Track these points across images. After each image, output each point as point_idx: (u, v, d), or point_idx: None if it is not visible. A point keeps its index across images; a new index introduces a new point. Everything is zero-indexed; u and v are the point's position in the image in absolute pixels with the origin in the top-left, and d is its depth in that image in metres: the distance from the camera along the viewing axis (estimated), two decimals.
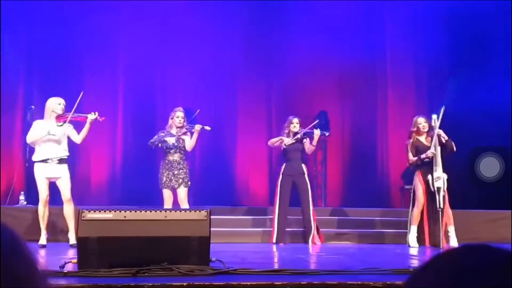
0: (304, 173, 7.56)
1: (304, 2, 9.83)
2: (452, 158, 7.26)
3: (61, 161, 6.53)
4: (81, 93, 6.65)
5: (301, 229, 7.62)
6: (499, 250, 0.75)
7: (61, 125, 6.58)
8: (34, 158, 6.62)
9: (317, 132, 7.45)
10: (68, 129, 6.63)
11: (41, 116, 6.85)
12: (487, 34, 9.66)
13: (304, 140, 7.61)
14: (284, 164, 7.62)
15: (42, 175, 6.47)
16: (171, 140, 7.18)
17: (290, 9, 9.92)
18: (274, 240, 7.39)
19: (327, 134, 7.67)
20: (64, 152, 6.58)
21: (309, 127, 7.64)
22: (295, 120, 7.64)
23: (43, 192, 6.47)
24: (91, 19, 9.36)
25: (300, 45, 9.90)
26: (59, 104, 6.61)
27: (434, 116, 7.08)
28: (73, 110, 6.58)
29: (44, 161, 6.49)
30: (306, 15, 9.88)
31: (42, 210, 6.48)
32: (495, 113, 9.27)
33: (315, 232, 7.44)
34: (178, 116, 7.24)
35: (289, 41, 9.96)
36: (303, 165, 7.61)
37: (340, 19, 9.92)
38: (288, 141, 7.50)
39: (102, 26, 9.39)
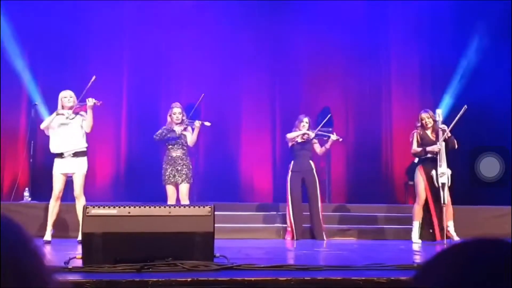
0: (312, 169, 7.68)
1: None
2: (452, 157, 7.24)
3: (76, 154, 6.54)
4: (93, 78, 6.70)
5: (309, 225, 7.62)
6: (509, 243, 0.74)
7: (72, 118, 6.61)
8: (50, 149, 6.62)
9: (333, 137, 7.60)
10: (80, 119, 6.67)
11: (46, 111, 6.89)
12: (489, 32, 9.62)
13: (314, 140, 7.69)
14: (292, 161, 7.74)
15: (58, 171, 6.52)
16: (178, 130, 7.19)
17: (296, 5, 9.90)
18: (292, 237, 7.44)
19: (340, 139, 7.80)
20: (78, 145, 6.58)
21: (321, 124, 7.73)
22: (305, 119, 7.76)
23: (57, 187, 6.51)
24: (95, 14, 9.37)
25: (304, 41, 9.89)
26: (65, 97, 6.66)
27: (439, 111, 7.07)
28: (80, 97, 6.65)
29: (60, 155, 6.51)
30: (310, 11, 9.86)
31: (53, 205, 6.51)
32: (495, 113, 9.25)
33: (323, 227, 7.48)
34: (175, 113, 7.22)
35: (293, 37, 9.95)
36: (311, 162, 7.73)
37: (345, 15, 9.91)
38: (312, 135, 7.63)
39: (106, 21, 9.40)
